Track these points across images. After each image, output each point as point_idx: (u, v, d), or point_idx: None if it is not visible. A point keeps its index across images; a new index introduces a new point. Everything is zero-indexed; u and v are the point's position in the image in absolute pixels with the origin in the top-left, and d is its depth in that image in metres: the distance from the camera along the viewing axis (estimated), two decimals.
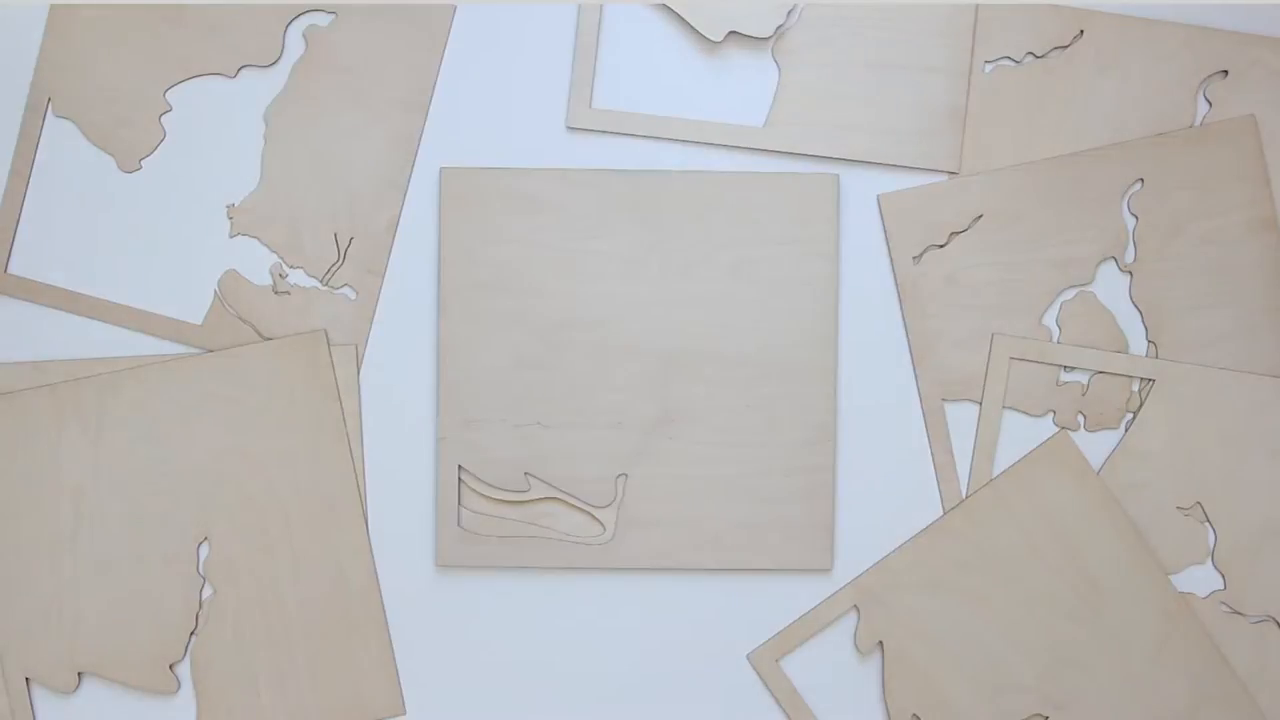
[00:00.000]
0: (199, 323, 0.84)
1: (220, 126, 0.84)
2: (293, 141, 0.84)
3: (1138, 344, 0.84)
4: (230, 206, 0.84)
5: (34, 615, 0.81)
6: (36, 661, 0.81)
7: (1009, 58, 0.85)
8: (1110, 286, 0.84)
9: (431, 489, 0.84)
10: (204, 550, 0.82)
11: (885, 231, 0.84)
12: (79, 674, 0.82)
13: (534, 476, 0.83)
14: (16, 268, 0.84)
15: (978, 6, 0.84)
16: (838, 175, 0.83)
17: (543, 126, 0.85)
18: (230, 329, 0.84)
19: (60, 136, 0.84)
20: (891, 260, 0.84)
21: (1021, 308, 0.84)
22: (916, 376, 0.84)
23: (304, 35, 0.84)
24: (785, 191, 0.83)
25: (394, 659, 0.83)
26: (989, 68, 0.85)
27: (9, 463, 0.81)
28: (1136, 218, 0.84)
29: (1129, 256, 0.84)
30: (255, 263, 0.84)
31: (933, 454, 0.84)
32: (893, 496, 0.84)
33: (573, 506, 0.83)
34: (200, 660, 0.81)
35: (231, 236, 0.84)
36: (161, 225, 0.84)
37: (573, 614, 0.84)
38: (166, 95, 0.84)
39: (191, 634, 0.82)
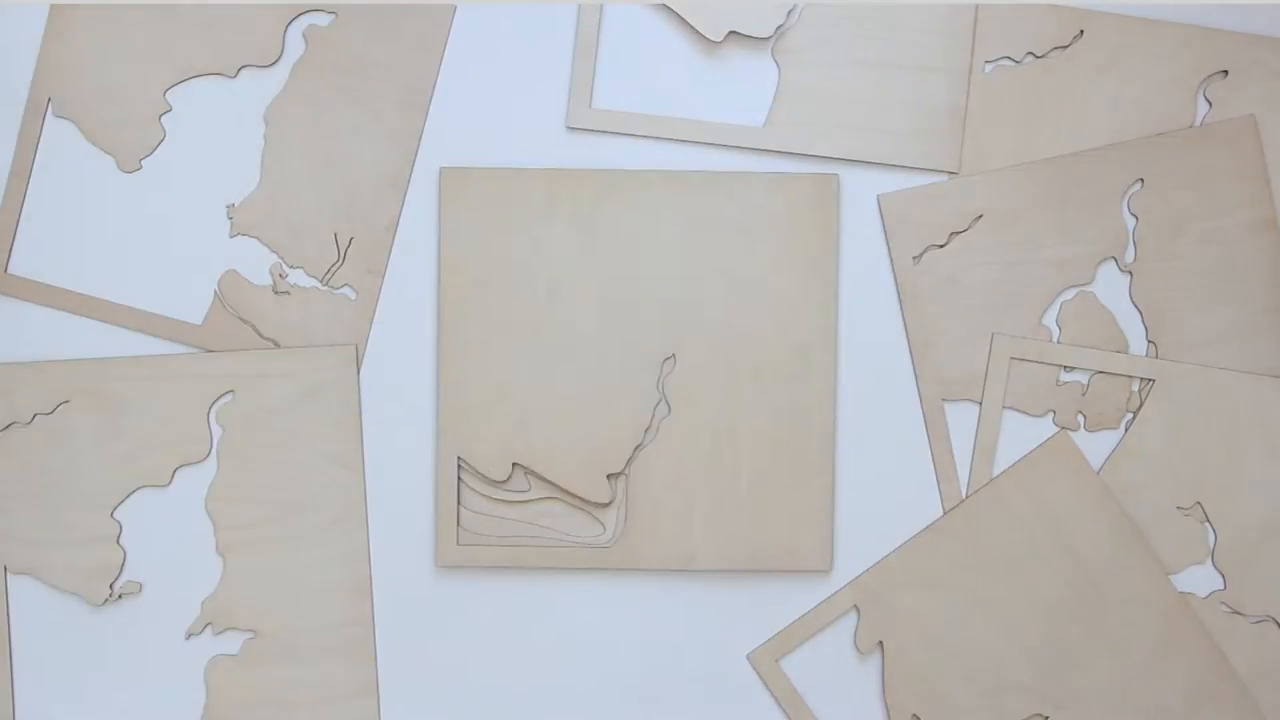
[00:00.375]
0: (199, 323, 0.84)
1: (220, 126, 0.84)
2: (293, 141, 0.84)
3: (1138, 344, 0.84)
4: (230, 206, 0.84)
5: (480, 396, 0.81)
6: (474, 445, 0.82)
7: (1009, 58, 0.85)
8: (1110, 286, 0.84)
9: (431, 489, 0.84)
10: (666, 368, 0.82)
11: (885, 231, 0.84)
12: (512, 464, 0.82)
13: (534, 476, 0.83)
14: (16, 268, 0.84)
15: (977, 6, 0.84)
16: (838, 175, 0.83)
17: (543, 126, 0.85)
18: (230, 329, 0.84)
19: (60, 136, 0.84)
20: (891, 260, 0.84)
21: (1021, 308, 0.84)
22: (916, 376, 0.84)
23: (304, 35, 0.84)
24: (785, 191, 0.83)
25: (833, 513, 0.82)
26: (989, 68, 0.85)
27: (495, 237, 0.81)
28: (1136, 218, 0.84)
29: (1129, 256, 0.84)
30: (255, 263, 0.84)
31: (933, 454, 0.84)
32: (893, 496, 0.84)
33: (573, 506, 0.83)
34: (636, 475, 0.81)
35: (231, 236, 0.84)
36: (161, 225, 0.84)
37: (572, 614, 0.84)
38: (166, 95, 0.84)
39: (636, 448, 0.81)
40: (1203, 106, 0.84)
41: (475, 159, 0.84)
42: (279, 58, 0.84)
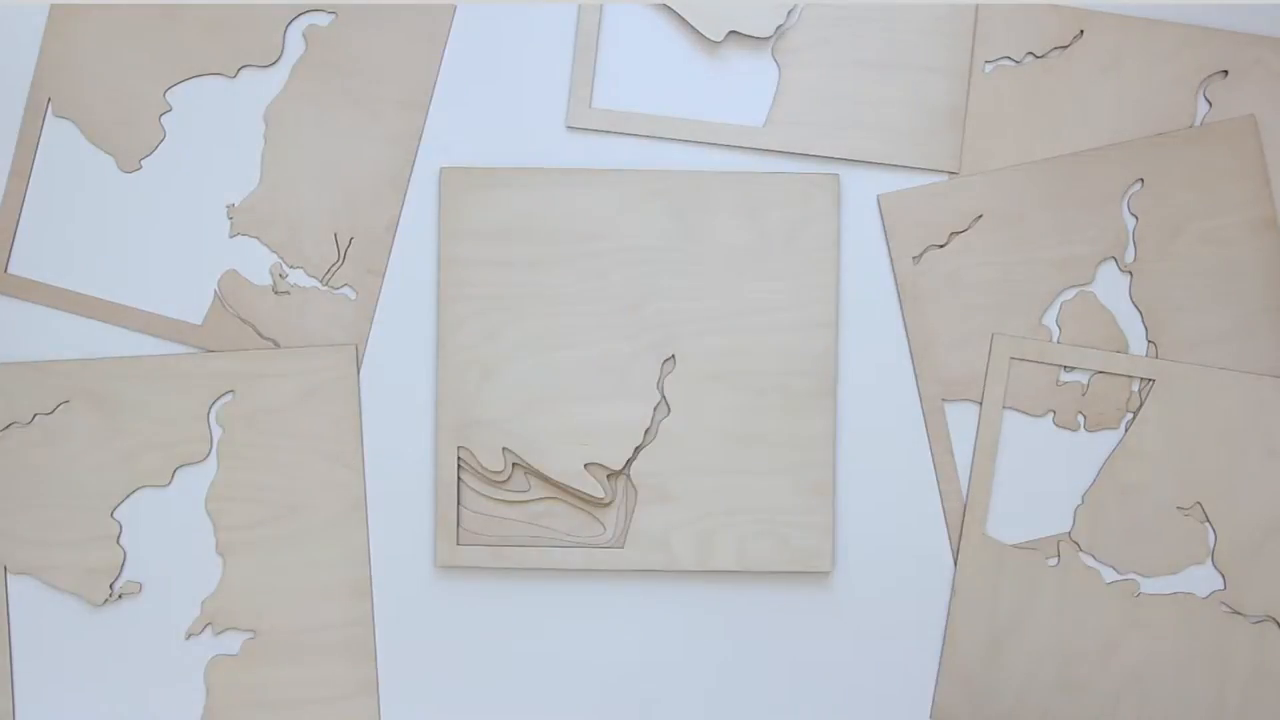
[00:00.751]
0: (199, 323, 0.84)
1: (220, 126, 0.84)
2: (293, 141, 0.84)
3: (1138, 344, 0.84)
4: (230, 206, 0.84)
5: (479, 396, 0.82)
6: (469, 438, 0.82)
7: (1009, 58, 0.85)
8: (1110, 286, 0.84)
9: (431, 489, 0.84)
10: (666, 368, 0.82)
11: (885, 231, 0.84)
12: (512, 464, 0.82)
13: (534, 476, 0.83)
14: (16, 268, 0.84)
15: (978, 6, 0.84)
16: (838, 175, 0.83)
17: (543, 126, 0.85)
18: (231, 329, 0.84)
19: (60, 136, 0.84)
20: (891, 260, 0.84)
21: (1021, 308, 0.84)
22: (916, 376, 0.84)
23: (304, 35, 0.84)
24: (785, 191, 0.83)
25: (834, 514, 0.82)
26: (989, 68, 0.85)
27: (495, 237, 0.81)
28: (1136, 218, 0.84)
29: (1129, 256, 0.84)
30: (255, 263, 0.84)
31: (933, 454, 0.84)
32: (893, 496, 0.84)
33: (573, 506, 0.83)
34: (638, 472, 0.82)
35: (231, 236, 0.84)
36: (161, 225, 0.84)
37: (572, 615, 0.84)
38: (166, 95, 0.84)
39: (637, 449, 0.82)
40: (1203, 106, 0.84)
41: (475, 159, 0.84)
42: (279, 58, 0.84)
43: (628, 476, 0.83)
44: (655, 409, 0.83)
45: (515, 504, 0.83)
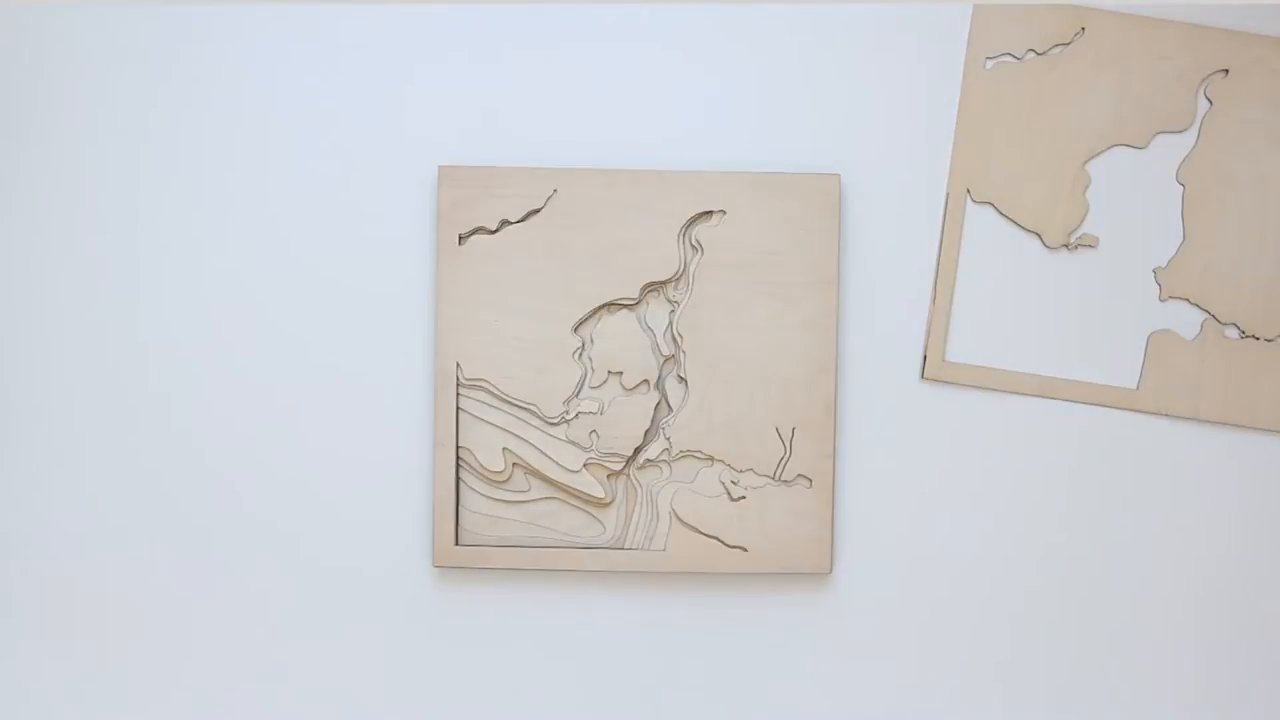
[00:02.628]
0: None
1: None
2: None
3: None
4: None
5: (479, 397, 0.82)
6: (469, 438, 0.82)
7: (1010, 54, 0.84)
8: None
9: (430, 489, 0.84)
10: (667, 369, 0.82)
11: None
12: (512, 464, 0.82)
13: (534, 476, 0.83)
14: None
15: (975, 6, 0.84)
16: (838, 175, 0.83)
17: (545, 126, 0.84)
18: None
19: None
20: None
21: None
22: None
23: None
24: (785, 191, 0.83)
25: (833, 516, 0.83)
26: (990, 64, 0.84)
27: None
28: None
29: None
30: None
31: (934, 454, 0.84)
32: (893, 497, 0.84)
33: (572, 507, 0.83)
34: None
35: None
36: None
37: (572, 615, 0.84)
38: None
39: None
40: (1203, 105, 0.84)
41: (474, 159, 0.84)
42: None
43: (628, 476, 0.83)
44: (656, 408, 0.83)
45: (515, 504, 0.83)
